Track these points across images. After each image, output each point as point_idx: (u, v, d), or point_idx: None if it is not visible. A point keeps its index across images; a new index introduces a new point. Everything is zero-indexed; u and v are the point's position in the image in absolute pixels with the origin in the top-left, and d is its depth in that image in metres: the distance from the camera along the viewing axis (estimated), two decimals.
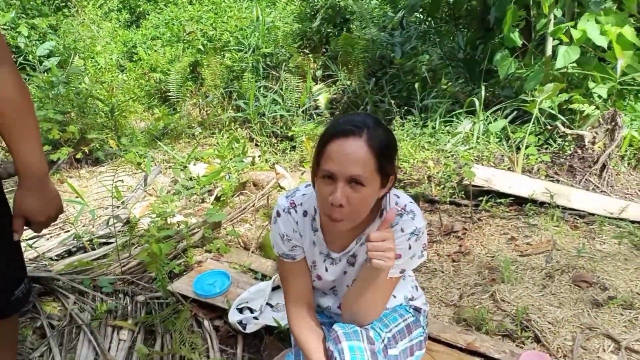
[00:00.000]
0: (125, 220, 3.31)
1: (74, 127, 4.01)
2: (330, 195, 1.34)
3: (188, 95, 6.43)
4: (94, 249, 3.01)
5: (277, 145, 4.64)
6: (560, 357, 1.96)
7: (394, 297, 1.76)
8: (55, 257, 2.98)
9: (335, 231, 1.56)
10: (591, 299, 2.22)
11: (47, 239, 3.21)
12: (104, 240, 3.16)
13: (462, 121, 3.85)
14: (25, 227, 1.52)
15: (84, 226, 3.27)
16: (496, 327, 2.12)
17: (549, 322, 2.12)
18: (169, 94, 6.36)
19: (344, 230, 1.51)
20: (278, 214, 1.59)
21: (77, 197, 3.22)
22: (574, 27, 3.53)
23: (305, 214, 1.58)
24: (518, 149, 3.34)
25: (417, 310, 1.78)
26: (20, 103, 1.37)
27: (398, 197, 1.54)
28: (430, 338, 2.02)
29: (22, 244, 1.79)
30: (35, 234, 3.05)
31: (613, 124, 3.16)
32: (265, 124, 4.99)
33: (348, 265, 1.64)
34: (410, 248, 1.49)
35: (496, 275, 2.43)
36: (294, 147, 4.54)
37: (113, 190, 3.14)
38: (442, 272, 2.56)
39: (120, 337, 2.41)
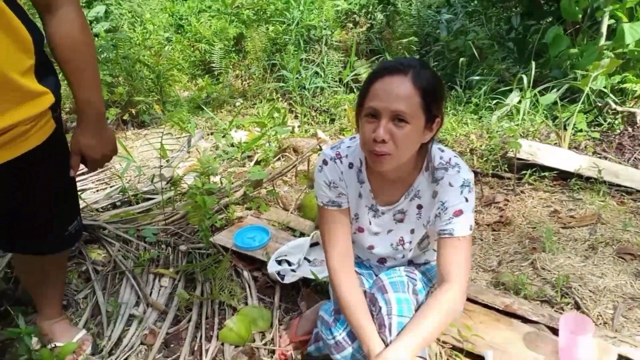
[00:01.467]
0: (169, 179, 3.40)
1: (122, 89, 4.13)
2: (374, 132, 1.35)
3: (231, 66, 6.50)
4: (138, 204, 3.11)
5: (317, 118, 4.66)
6: (600, 324, 1.93)
7: (434, 250, 1.77)
8: (101, 209, 3.09)
9: (382, 178, 1.56)
10: (635, 271, 2.17)
11: (94, 192, 3.33)
12: (149, 196, 3.26)
13: (506, 100, 3.77)
14: (81, 167, 1.59)
15: (129, 181, 3.37)
16: (535, 292, 2.10)
17: (590, 291, 2.08)
18: (213, 65, 6.45)
19: (389, 172, 1.51)
20: (324, 163, 1.59)
21: (124, 154, 3.31)
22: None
23: (350, 165, 1.59)
24: (565, 128, 3.26)
25: None
26: (86, 43, 1.42)
27: (442, 151, 1.54)
28: (467, 299, 2.02)
29: None
30: (89, 172, 3.14)
31: None
32: (305, 96, 5.01)
33: (394, 222, 1.64)
34: (467, 201, 1.48)
35: (537, 245, 2.40)
36: (332, 120, 4.56)
37: (160, 149, 3.23)
38: (481, 240, 2.54)
39: (161, 283, 2.49)
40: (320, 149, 3.16)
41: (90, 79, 1.46)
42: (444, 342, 1.86)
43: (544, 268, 2.24)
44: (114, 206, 3.17)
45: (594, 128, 3.37)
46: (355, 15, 6.27)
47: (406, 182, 1.56)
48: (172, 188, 3.06)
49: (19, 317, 1.81)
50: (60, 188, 1.63)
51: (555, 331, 1.87)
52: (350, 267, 1.64)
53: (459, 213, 1.47)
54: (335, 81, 5.32)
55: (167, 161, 3.49)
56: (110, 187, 3.42)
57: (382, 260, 1.79)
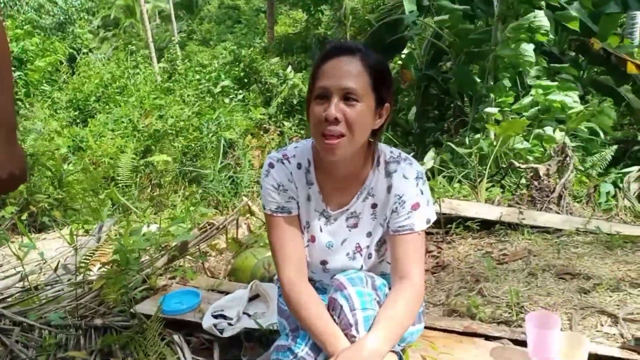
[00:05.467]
0: (75, 268, 3.04)
1: (22, 186, 3.81)
2: (325, 112, 1.31)
3: (138, 179, 6.33)
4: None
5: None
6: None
7: (389, 263, 1.68)
8: None
9: (331, 178, 1.50)
10: (577, 287, 2.19)
11: None
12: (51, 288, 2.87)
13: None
14: None
15: (31, 271, 2.98)
16: (489, 315, 2.02)
17: (542, 307, 2.05)
18: (119, 178, 6.25)
19: (340, 167, 1.46)
20: (271, 165, 1.51)
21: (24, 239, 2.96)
22: None
23: (299, 166, 1.51)
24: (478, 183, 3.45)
25: None
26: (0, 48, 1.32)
27: (391, 148, 1.53)
28: (425, 327, 1.89)
29: None
30: None
31: (564, 156, 3.35)
32: (225, 192, 4.94)
33: (348, 229, 1.54)
34: (422, 193, 1.46)
35: (480, 278, 2.37)
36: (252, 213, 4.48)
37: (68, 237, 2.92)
38: (425, 282, 2.46)
39: None
40: (250, 210, 3.02)
41: (1, 86, 1.32)
42: None
43: (492, 295, 2.19)
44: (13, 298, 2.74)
45: (505, 187, 3.59)
46: (265, 125, 6.50)
47: (357, 180, 1.50)
48: (81, 272, 2.72)
49: None
50: None
51: (519, 343, 1.79)
52: (307, 278, 1.50)
53: (416, 206, 1.44)
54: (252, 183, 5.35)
55: (74, 247, 3.14)
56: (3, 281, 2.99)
57: None
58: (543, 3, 4.49)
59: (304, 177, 1.51)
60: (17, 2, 16.74)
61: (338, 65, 1.33)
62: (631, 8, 6.44)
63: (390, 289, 1.53)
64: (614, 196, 3.71)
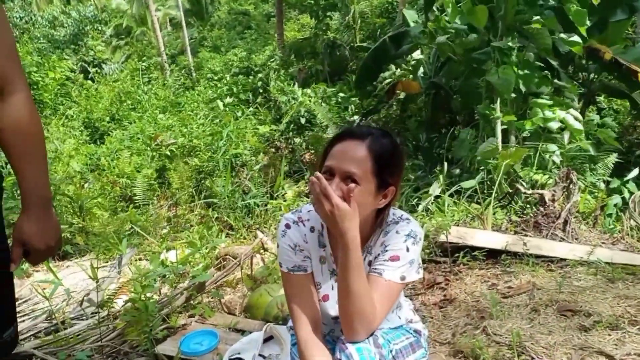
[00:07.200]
0: (99, 303, 3.19)
1: None
2: None
3: (155, 197, 6.49)
4: (67, 330, 2.87)
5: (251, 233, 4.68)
6: None
7: (399, 318, 1.78)
8: (25, 340, 2.81)
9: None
10: (578, 325, 2.27)
11: (20, 321, 3.04)
12: (78, 322, 3.03)
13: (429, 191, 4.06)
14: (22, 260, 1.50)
15: (57, 306, 3.13)
16: (492, 356, 2.12)
17: (542, 347, 2.14)
18: (135, 197, 6.42)
19: None
20: (287, 226, 1.61)
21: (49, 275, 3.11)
22: None
23: (312, 229, 1.62)
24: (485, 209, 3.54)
25: (417, 332, 1.79)
26: (34, 129, 1.43)
27: (394, 210, 1.63)
28: None
29: None
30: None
31: (568, 181, 3.43)
32: (238, 214, 5.07)
33: None
34: (408, 250, 1.51)
35: (485, 314, 2.46)
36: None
37: (90, 271, 3.07)
38: (432, 317, 2.57)
39: None
40: (264, 247, 3.15)
41: (37, 165, 1.43)
42: None
43: (496, 333, 2.29)
44: (42, 334, 2.91)
45: (511, 209, 3.67)
46: (276, 142, 6.64)
47: (362, 242, 1.62)
48: (105, 306, 2.87)
49: None
50: None
51: None
52: (321, 337, 1.60)
53: (395, 258, 1.50)
54: (263, 204, 5.46)
55: (97, 282, 3.29)
56: (33, 317, 3.15)
57: None
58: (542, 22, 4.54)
59: (317, 239, 1.63)
60: (33, 17, 17.07)
61: (345, 148, 1.45)
62: (639, 10, 6.43)
63: (395, 344, 1.66)
64: (622, 210, 3.77)
